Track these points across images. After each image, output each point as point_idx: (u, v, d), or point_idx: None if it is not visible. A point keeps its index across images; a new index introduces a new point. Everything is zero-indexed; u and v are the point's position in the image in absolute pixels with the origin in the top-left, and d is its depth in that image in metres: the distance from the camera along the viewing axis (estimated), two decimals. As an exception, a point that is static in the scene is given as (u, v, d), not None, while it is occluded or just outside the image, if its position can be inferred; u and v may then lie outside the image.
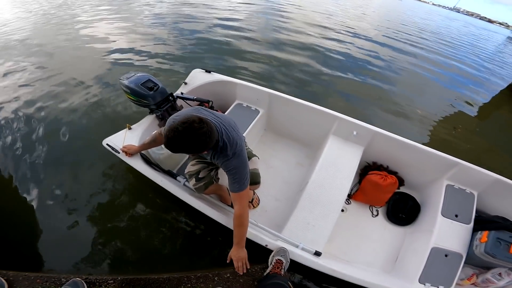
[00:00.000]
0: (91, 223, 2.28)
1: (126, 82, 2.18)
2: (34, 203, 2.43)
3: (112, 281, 1.78)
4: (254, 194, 2.27)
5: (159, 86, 2.25)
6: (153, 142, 1.86)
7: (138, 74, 2.26)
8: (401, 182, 2.45)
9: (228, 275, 1.80)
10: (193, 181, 1.80)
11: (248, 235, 1.65)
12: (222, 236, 2.17)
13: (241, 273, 1.61)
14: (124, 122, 2.35)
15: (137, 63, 4.92)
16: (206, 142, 1.22)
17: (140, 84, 2.17)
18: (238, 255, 1.59)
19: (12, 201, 2.47)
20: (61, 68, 4.68)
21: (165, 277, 1.81)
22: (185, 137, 1.16)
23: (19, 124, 3.34)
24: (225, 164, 1.46)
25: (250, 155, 1.86)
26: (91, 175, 2.67)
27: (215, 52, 5.57)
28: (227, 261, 1.61)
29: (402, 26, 12.09)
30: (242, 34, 6.72)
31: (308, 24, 8.62)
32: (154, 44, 5.75)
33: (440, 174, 2.28)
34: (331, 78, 5.11)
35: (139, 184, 2.56)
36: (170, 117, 1.53)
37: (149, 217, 2.34)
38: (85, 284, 1.68)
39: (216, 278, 1.79)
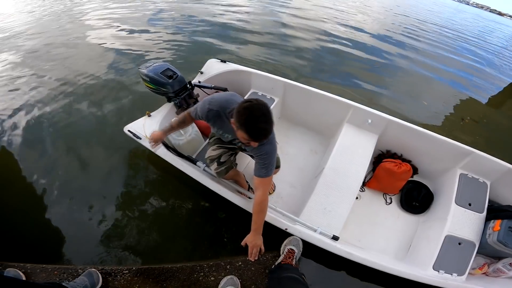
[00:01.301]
0: (106, 214, 2.31)
1: (145, 71, 2.23)
2: (49, 196, 2.45)
3: (127, 271, 1.85)
4: None
5: (178, 75, 2.29)
6: (183, 123, 1.84)
7: (156, 64, 2.30)
8: (415, 170, 2.46)
9: (240, 263, 1.85)
10: (214, 165, 1.83)
11: (267, 219, 1.67)
12: (235, 225, 2.19)
13: (253, 260, 1.60)
14: (141, 110, 2.40)
15: (150, 53, 4.91)
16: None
17: (160, 73, 2.22)
18: (254, 241, 1.57)
19: (29, 194, 2.49)
20: (72, 61, 4.71)
21: (179, 266, 1.87)
22: (265, 113, 1.24)
23: (33, 115, 3.38)
24: (258, 148, 1.48)
25: None
26: (107, 165, 2.70)
27: (228, 41, 5.56)
28: (242, 245, 1.59)
29: (408, 19, 11.87)
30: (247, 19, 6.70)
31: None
32: (168, 34, 5.73)
33: (454, 163, 2.29)
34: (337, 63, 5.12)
35: (155, 172, 2.60)
36: (205, 101, 1.56)
37: (163, 207, 2.36)
38: (99, 274, 1.75)
39: (228, 267, 1.85)
